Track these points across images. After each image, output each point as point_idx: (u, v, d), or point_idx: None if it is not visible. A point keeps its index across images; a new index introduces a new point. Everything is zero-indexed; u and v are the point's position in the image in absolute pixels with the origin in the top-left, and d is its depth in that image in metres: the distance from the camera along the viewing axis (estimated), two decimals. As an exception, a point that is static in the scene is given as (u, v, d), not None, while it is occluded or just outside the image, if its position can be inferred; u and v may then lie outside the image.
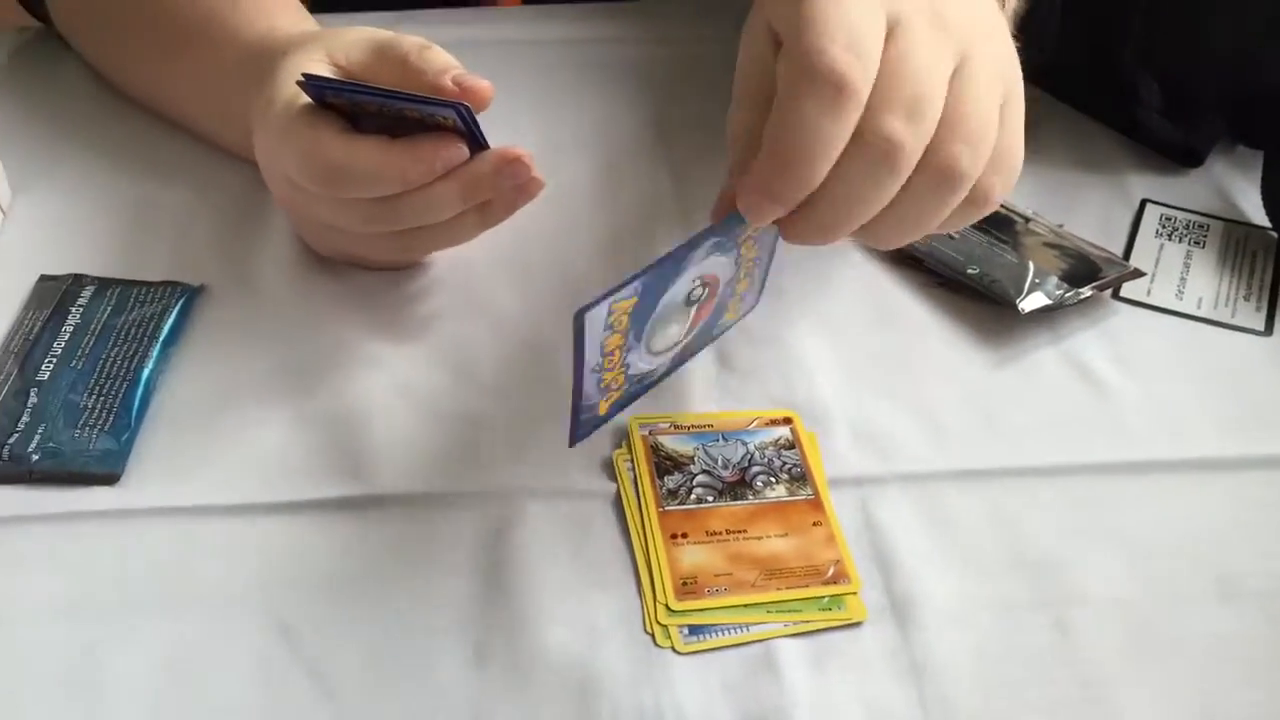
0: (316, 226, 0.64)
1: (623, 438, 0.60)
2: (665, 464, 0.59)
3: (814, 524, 0.57)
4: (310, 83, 0.58)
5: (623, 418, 0.61)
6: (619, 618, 0.53)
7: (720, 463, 0.59)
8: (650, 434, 0.60)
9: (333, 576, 0.54)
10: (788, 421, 0.61)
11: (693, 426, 0.60)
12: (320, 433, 0.60)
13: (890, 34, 0.50)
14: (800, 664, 0.52)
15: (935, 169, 0.50)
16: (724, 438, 0.60)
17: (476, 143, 0.59)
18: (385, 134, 0.59)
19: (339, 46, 0.62)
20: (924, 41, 0.50)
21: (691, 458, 0.59)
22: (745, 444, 0.60)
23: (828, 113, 0.48)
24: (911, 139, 0.49)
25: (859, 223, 0.51)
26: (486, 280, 0.68)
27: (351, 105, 0.59)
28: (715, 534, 0.56)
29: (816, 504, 0.57)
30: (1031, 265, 0.67)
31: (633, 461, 0.59)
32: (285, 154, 0.60)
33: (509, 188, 0.60)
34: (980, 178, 0.52)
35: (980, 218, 0.54)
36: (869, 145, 0.49)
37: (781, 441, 0.60)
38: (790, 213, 0.51)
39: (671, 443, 0.60)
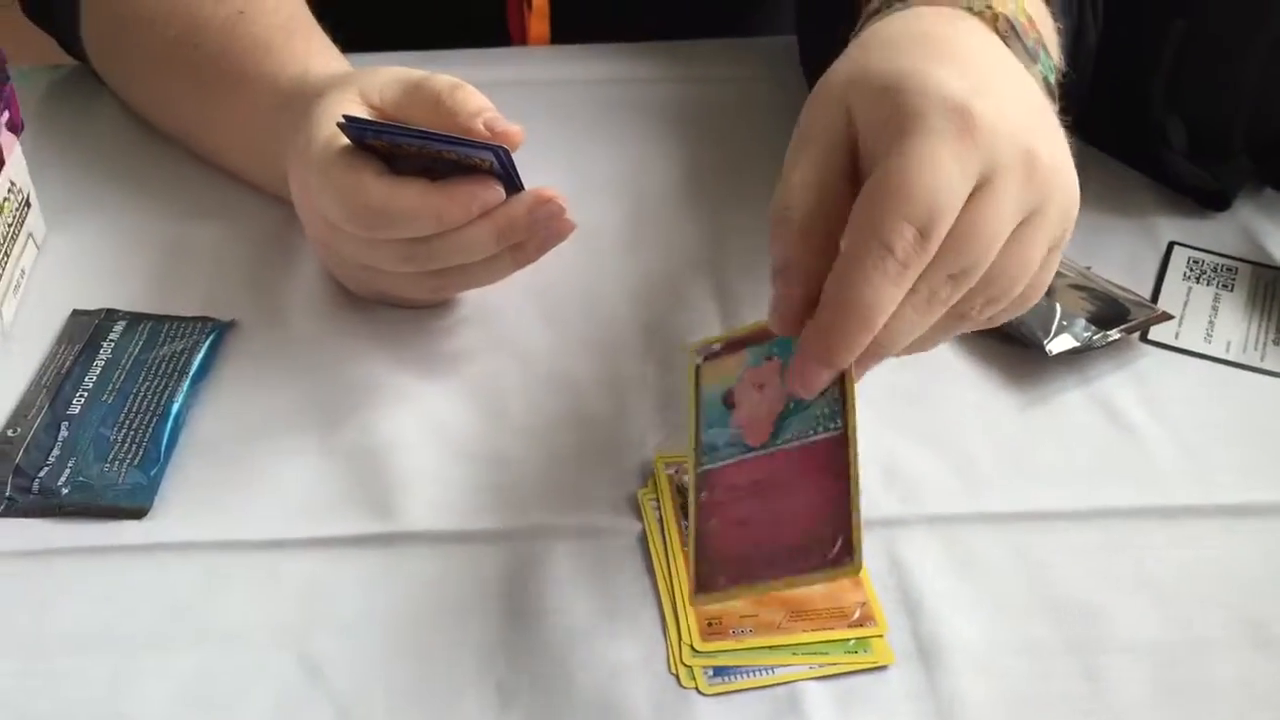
0: (349, 265, 0.65)
1: (649, 476, 0.60)
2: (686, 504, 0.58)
3: None
4: (351, 124, 0.59)
5: (649, 455, 0.61)
6: (644, 658, 0.53)
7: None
8: (676, 473, 0.60)
9: (358, 613, 0.54)
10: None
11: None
12: (347, 469, 0.60)
13: (977, 191, 0.48)
14: (825, 706, 0.51)
15: (956, 314, 0.51)
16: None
17: (513, 185, 0.60)
18: (422, 174, 0.59)
19: (372, 86, 0.63)
20: (1007, 204, 0.48)
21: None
22: None
23: (894, 283, 0.47)
24: (953, 294, 0.49)
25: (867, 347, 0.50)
26: (515, 319, 0.68)
27: (390, 146, 0.59)
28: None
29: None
30: (1059, 307, 0.67)
31: (658, 500, 0.59)
32: (324, 194, 0.61)
33: (542, 229, 0.60)
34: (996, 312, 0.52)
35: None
36: (916, 294, 0.48)
37: None
38: None
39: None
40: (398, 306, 0.67)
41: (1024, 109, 0.50)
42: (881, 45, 0.52)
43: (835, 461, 0.50)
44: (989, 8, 0.54)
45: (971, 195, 0.48)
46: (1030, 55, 0.55)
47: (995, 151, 0.48)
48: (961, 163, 0.47)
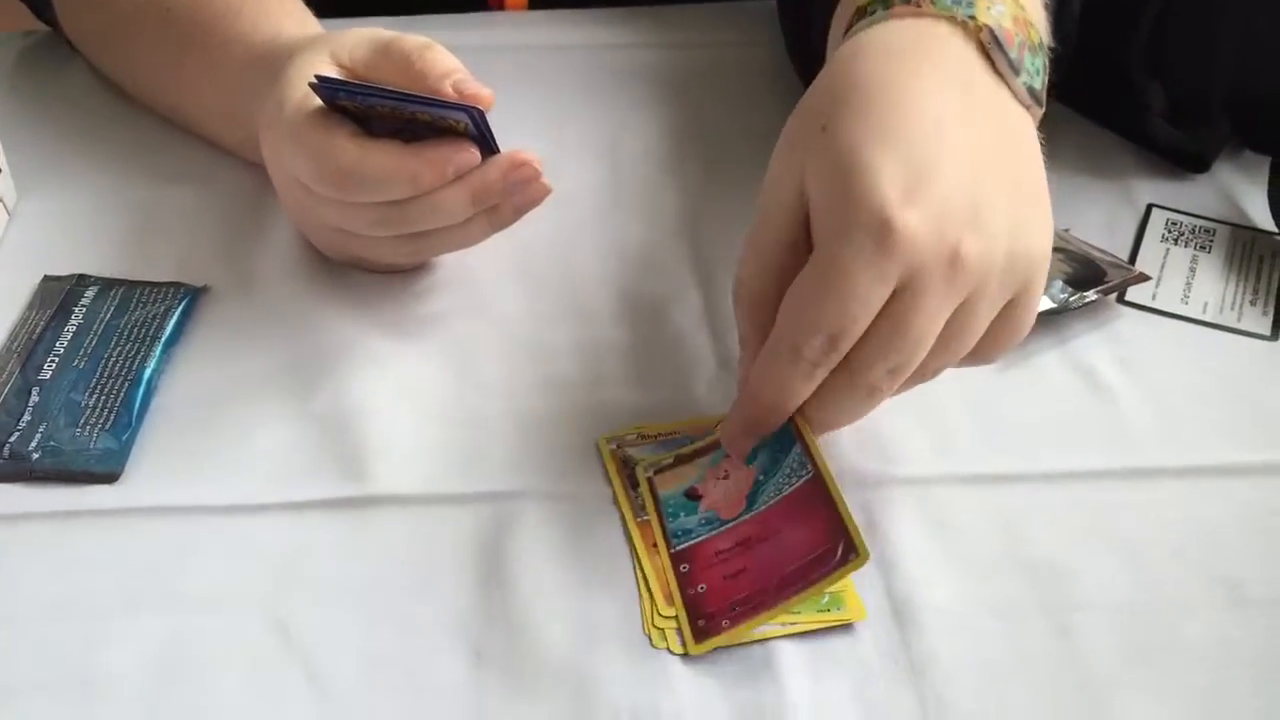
0: (323, 229, 0.65)
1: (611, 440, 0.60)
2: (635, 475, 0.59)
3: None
4: (322, 85, 0.58)
5: (623, 419, 0.61)
6: (618, 619, 0.53)
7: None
8: (619, 448, 0.59)
9: (331, 577, 0.54)
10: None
11: (660, 435, 0.60)
12: (320, 433, 0.60)
13: (897, 294, 0.50)
14: (799, 667, 0.51)
15: (913, 380, 0.54)
16: (692, 440, 0.59)
17: (488, 147, 0.59)
18: (396, 136, 0.59)
19: (342, 46, 0.62)
20: (927, 305, 0.50)
21: (658, 459, 0.59)
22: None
23: (804, 379, 0.52)
24: (894, 382, 0.52)
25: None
26: (490, 282, 0.68)
27: (363, 107, 0.59)
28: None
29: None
30: (1036, 269, 0.67)
31: (607, 474, 0.59)
32: (296, 157, 0.60)
33: (517, 193, 0.60)
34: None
35: None
36: (850, 384, 0.52)
37: None
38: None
39: (639, 453, 0.59)
40: (372, 271, 0.67)
41: (965, 192, 0.50)
42: (851, 87, 0.52)
43: (816, 497, 0.53)
44: (972, 18, 0.53)
45: (894, 297, 0.50)
46: (1013, 67, 0.54)
47: (914, 259, 0.49)
48: (876, 274, 0.49)
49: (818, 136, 0.52)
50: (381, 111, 0.59)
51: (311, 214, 0.63)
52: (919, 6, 0.54)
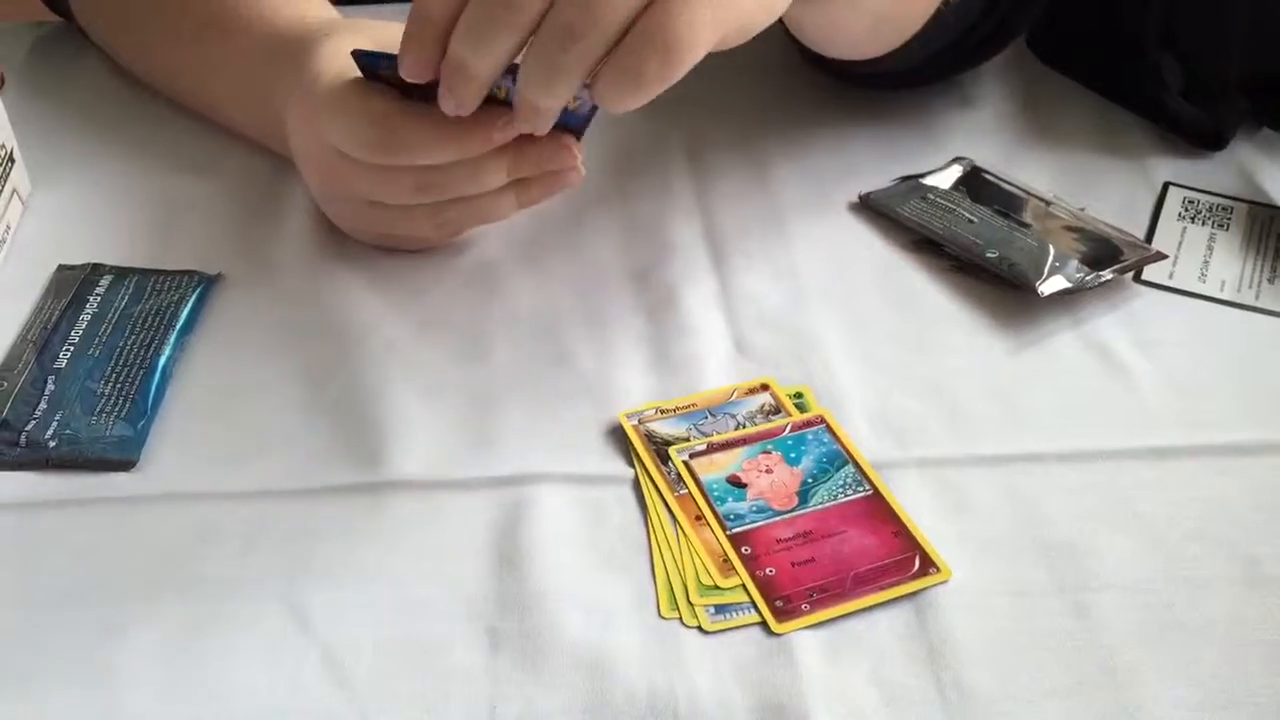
0: (354, 204, 0.64)
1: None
2: (665, 450, 0.58)
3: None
4: (364, 55, 0.58)
5: (637, 400, 0.61)
6: (634, 602, 0.53)
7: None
8: (639, 423, 0.59)
9: (348, 562, 0.54)
10: (765, 388, 0.61)
11: (678, 409, 0.60)
12: (335, 419, 0.60)
13: None
14: (815, 648, 0.51)
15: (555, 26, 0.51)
16: (711, 413, 0.60)
17: None
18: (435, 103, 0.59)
19: (381, 34, 0.62)
20: None
21: (687, 438, 0.59)
22: (734, 416, 0.60)
23: None
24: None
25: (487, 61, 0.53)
26: (502, 266, 0.68)
27: (403, 80, 0.58)
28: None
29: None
30: (1052, 249, 0.67)
31: (635, 452, 0.59)
32: (337, 123, 0.60)
33: (551, 170, 0.60)
34: (626, 55, 0.52)
35: (638, 92, 0.53)
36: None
37: (766, 408, 0.60)
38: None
39: (662, 428, 0.59)
40: (394, 248, 0.66)
41: None
42: None
43: (878, 511, 0.56)
44: None
45: None
46: None
47: None
48: None
49: None
50: (420, 82, 0.58)
51: (344, 186, 0.63)
52: None
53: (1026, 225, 0.69)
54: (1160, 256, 0.68)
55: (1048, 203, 0.71)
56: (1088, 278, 0.65)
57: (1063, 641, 0.52)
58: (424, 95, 0.59)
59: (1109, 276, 0.66)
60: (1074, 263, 0.66)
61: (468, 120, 0.58)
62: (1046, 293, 0.64)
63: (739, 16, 0.54)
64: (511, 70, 0.56)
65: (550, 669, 0.50)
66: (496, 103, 0.58)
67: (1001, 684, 0.50)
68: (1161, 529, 0.56)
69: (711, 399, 0.61)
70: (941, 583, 0.53)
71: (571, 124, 0.59)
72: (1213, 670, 0.51)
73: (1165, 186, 0.74)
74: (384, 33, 0.63)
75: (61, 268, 0.66)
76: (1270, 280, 0.68)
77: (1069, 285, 0.65)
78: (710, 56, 0.81)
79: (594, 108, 0.58)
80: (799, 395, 0.61)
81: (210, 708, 0.49)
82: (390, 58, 0.58)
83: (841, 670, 0.51)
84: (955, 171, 0.73)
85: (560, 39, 0.51)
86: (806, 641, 0.51)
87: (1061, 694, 0.50)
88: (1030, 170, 0.74)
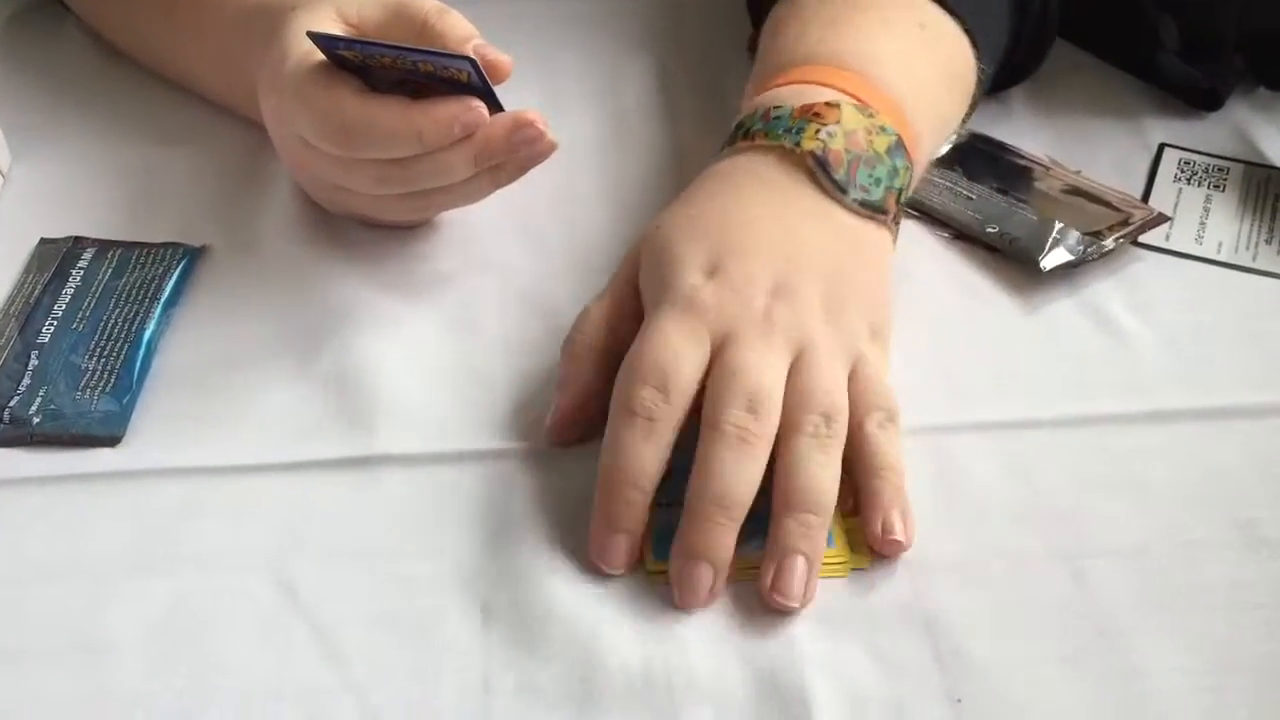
0: (325, 186, 0.64)
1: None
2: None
3: None
4: (322, 37, 0.57)
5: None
6: (628, 576, 0.52)
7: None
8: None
9: (337, 536, 0.54)
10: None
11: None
12: (324, 392, 0.59)
13: (721, 346, 0.54)
14: (811, 620, 0.51)
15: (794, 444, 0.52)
16: None
17: (489, 98, 0.58)
18: (399, 90, 0.58)
19: (349, 4, 0.61)
20: (750, 349, 0.53)
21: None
22: None
23: (644, 439, 0.52)
24: (755, 425, 0.52)
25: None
26: (492, 238, 0.67)
27: (364, 59, 0.58)
28: None
29: None
30: (1051, 220, 0.66)
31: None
32: (299, 113, 0.59)
33: (522, 151, 0.59)
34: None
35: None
36: (718, 436, 0.52)
37: None
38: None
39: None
40: (375, 226, 0.66)
41: (772, 270, 0.56)
42: (684, 200, 0.60)
43: None
44: (798, 145, 0.58)
45: (719, 350, 0.54)
46: (839, 186, 0.58)
47: (720, 316, 0.54)
48: (687, 330, 0.54)
49: (652, 234, 0.58)
50: (382, 63, 0.58)
51: (313, 171, 0.62)
52: (753, 140, 0.60)
53: (1024, 199, 0.68)
54: (1163, 219, 0.67)
55: (1045, 167, 0.70)
56: (1089, 249, 0.64)
57: (1061, 608, 0.51)
58: (384, 78, 0.58)
59: (1111, 245, 0.65)
60: (1075, 234, 0.65)
61: (429, 114, 0.57)
62: (1049, 267, 0.64)
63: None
64: (468, 58, 0.56)
65: (544, 642, 0.50)
66: (455, 85, 0.57)
67: (999, 652, 0.50)
68: (1159, 493, 0.56)
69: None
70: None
71: (489, 95, 0.58)
72: (1211, 635, 0.51)
73: (1160, 148, 0.73)
74: (350, 4, 0.61)
75: (43, 241, 0.65)
76: (1268, 241, 0.67)
77: (1071, 258, 0.64)
78: (698, 30, 0.80)
79: (476, 63, 0.57)
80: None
81: (198, 684, 0.49)
82: (350, 41, 0.58)
83: (837, 641, 0.50)
84: (944, 146, 0.72)
85: None
86: (802, 613, 0.51)
87: (1060, 661, 0.50)
88: (1024, 133, 0.73)
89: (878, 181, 0.59)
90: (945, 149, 0.71)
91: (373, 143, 0.58)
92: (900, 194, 0.60)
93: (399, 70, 0.58)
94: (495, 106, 0.59)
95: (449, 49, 0.58)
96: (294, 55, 0.60)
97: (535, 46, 0.78)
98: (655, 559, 0.52)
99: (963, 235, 0.67)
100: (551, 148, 0.60)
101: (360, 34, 0.61)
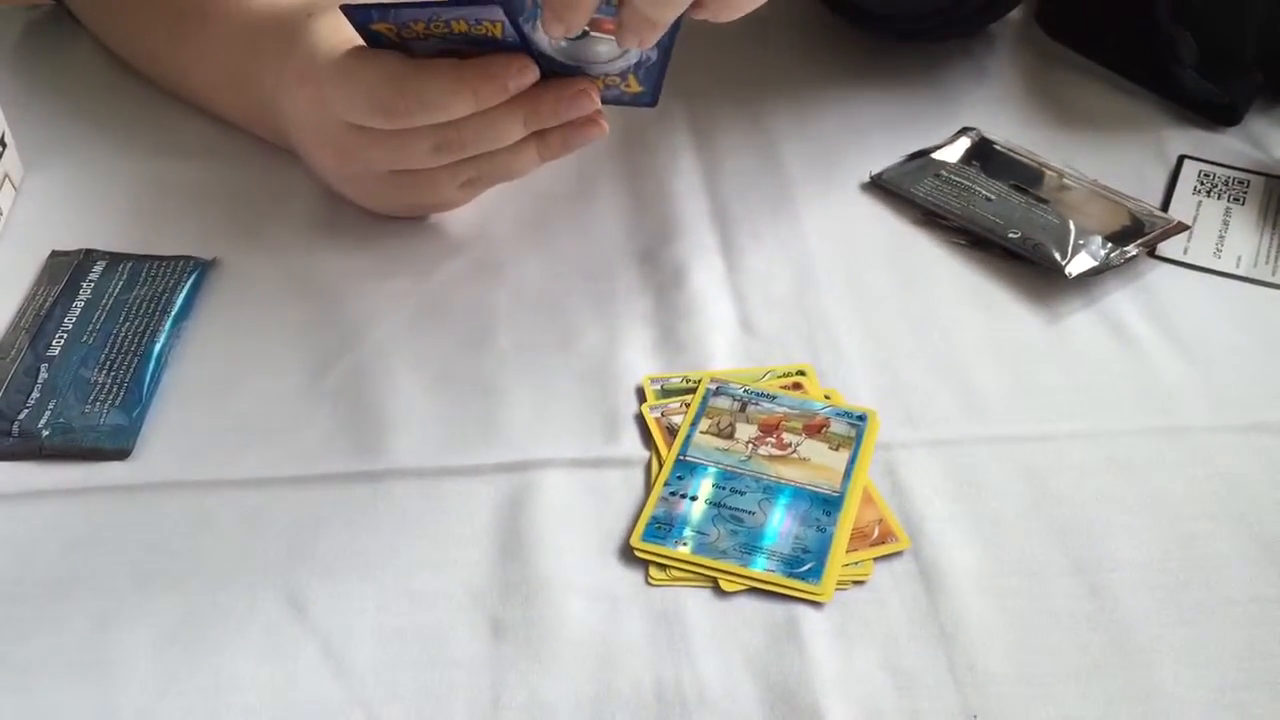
0: (372, 179, 0.63)
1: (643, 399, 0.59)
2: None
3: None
4: (355, 10, 0.57)
5: (637, 377, 0.60)
6: (639, 588, 0.52)
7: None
8: (661, 416, 0.58)
9: (346, 551, 0.53)
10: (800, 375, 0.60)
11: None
12: (334, 405, 0.59)
13: None
14: (824, 633, 0.50)
15: None
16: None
17: (527, 47, 0.58)
18: (441, 57, 0.58)
19: None
20: None
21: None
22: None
23: None
24: None
25: None
26: (505, 247, 0.67)
27: (399, 30, 0.57)
28: None
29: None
30: (1073, 225, 0.65)
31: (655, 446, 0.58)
32: (348, 94, 0.59)
33: (570, 121, 0.59)
34: None
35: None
36: None
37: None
38: None
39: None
40: (418, 216, 0.65)
41: None
42: None
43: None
44: None
45: None
46: None
47: None
48: None
49: None
50: (418, 30, 0.57)
51: (362, 159, 0.62)
52: None
53: (1044, 200, 0.68)
54: (1182, 228, 0.67)
55: (1061, 174, 0.70)
56: (1113, 255, 0.64)
57: (1078, 622, 0.51)
58: (423, 49, 0.58)
59: (1134, 252, 0.64)
60: (1097, 239, 0.64)
61: (480, 70, 0.57)
62: (1074, 273, 0.63)
63: None
64: (498, 1, 0.55)
65: (555, 658, 0.49)
66: (496, 45, 0.57)
67: (1016, 666, 0.49)
68: (1178, 508, 0.55)
69: (743, 379, 0.60)
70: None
71: (525, 43, 0.58)
72: (1231, 651, 0.50)
73: (1180, 159, 0.72)
74: None
75: (55, 254, 0.65)
76: (1287, 254, 0.67)
77: (1095, 264, 0.63)
78: (720, 39, 0.80)
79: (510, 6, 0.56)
80: (800, 373, 0.60)
81: (207, 700, 0.48)
82: (383, 7, 0.57)
83: (852, 655, 0.49)
84: (964, 144, 0.72)
85: None
86: (816, 626, 0.50)
87: (1077, 676, 0.49)
88: (1041, 145, 0.73)
89: None
90: (960, 153, 0.71)
91: (427, 105, 0.58)
92: None
93: (435, 38, 0.57)
94: (537, 59, 0.58)
95: None
96: (324, 48, 0.60)
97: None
98: (644, 539, 0.52)
99: (979, 242, 0.66)
100: (602, 132, 0.60)
101: None
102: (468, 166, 0.61)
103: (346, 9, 0.57)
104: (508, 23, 0.56)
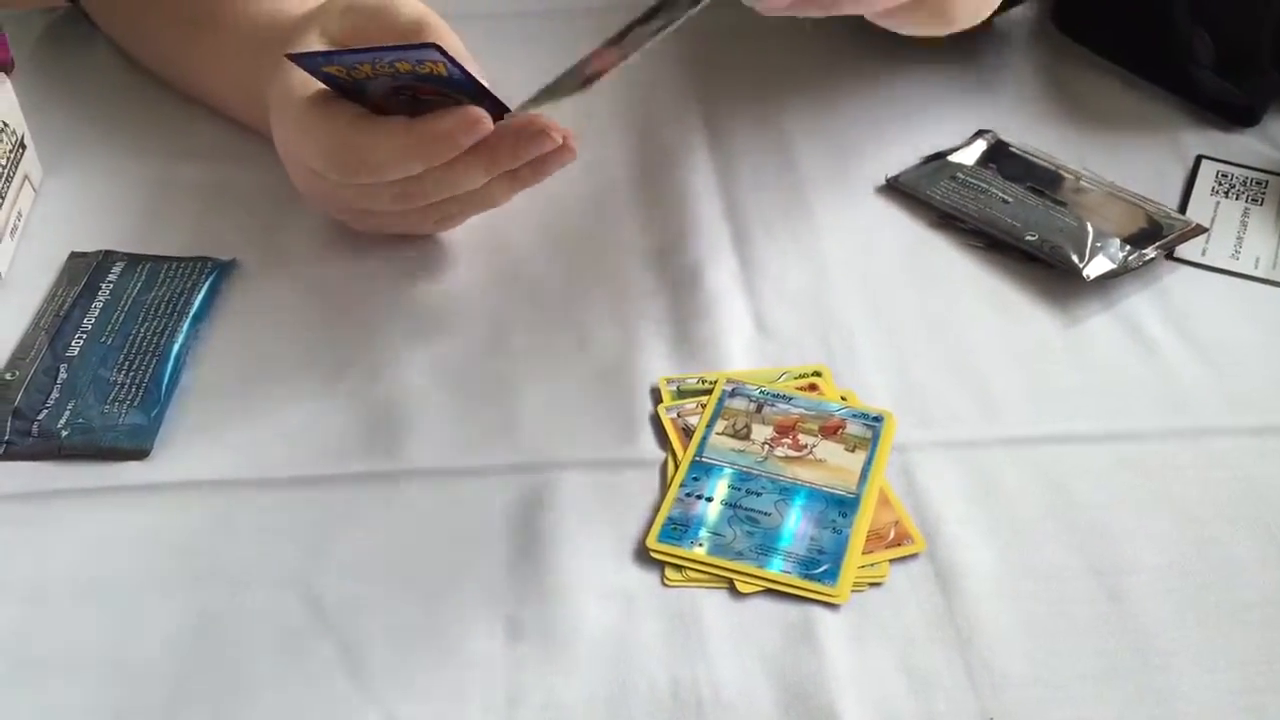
0: (350, 212, 0.64)
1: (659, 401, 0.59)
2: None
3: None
4: (301, 59, 0.57)
5: (653, 378, 0.60)
6: (654, 589, 0.52)
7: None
8: (678, 416, 0.58)
9: (363, 551, 0.53)
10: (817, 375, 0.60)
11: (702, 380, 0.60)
12: (350, 406, 0.59)
13: None
14: (841, 635, 0.50)
15: None
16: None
17: (476, 91, 0.57)
18: (396, 97, 0.58)
19: (331, 19, 0.61)
20: None
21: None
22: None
23: None
24: None
25: None
26: (520, 249, 0.67)
27: (348, 72, 0.57)
28: None
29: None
30: (1091, 227, 0.65)
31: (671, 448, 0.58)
32: (304, 147, 0.60)
33: (530, 154, 0.58)
34: None
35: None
36: None
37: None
38: None
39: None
40: (404, 237, 0.66)
41: None
42: None
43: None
44: None
45: None
46: None
47: None
48: None
49: None
50: (366, 72, 0.57)
51: (332, 198, 0.63)
52: None
53: (1061, 202, 0.67)
54: (1200, 230, 0.66)
55: (1078, 176, 0.70)
56: (1131, 257, 0.64)
57: (1095, 625, 0.50)
58: (378, 89, 0.57)
59: (1152, 255, 0.64)
60: (1115, 241, 0.64)
61: (431, 130, 0.56)
62: (1092, 276, 0.63)
63: None
64: (433, 46, 0.54)
65: (570, 658, 0.50)
66: (447, 83, 0.57)
67: (1032, 668, 0.49)
68: (1196, 510, 0.55)
69: (758, 379, 0.60)
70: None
71: (472, 85, 0.57)
72: (1249, 654, 0.50)
73: (1198, 160, 0.72)
74: (338, 9, 0.61)
75: (74, 255, 0.65)
76: (1306, 256, 0.66)
77: (1114, 267, 0.63)
78: (732, 43, 0.80)
79: (442, 49, 0.55)
80: (816, 374, 0.60)
81: (224, 700, 0.48)
82: (328, 55, 0.57)
83: (867, 657, 0.49)
84: (980, 146, 0.72)
85: None
86: (833, 628, 0.50)
87: (1094, 678, 0.49)
88: (1057, 146, 0.73)
89: None
90: (976, 155, 0.71)
91: (378, 169, 0.58)
92: None
93: (385, 76, 0.57)
94: (488, 99, 0.57)
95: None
96: (293, 87, 0.60)
97: (565, 62, 0.77)
98: (660, 540, 0.53)
99: (996, 245, 0.66)
100: (569, 155, 0.59)
101: (345, 45, 0.60)
102: (437, 206, 0.61)
103: (294, 57, 0.57)
104: (448, 63, 0.55)
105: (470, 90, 0.57)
